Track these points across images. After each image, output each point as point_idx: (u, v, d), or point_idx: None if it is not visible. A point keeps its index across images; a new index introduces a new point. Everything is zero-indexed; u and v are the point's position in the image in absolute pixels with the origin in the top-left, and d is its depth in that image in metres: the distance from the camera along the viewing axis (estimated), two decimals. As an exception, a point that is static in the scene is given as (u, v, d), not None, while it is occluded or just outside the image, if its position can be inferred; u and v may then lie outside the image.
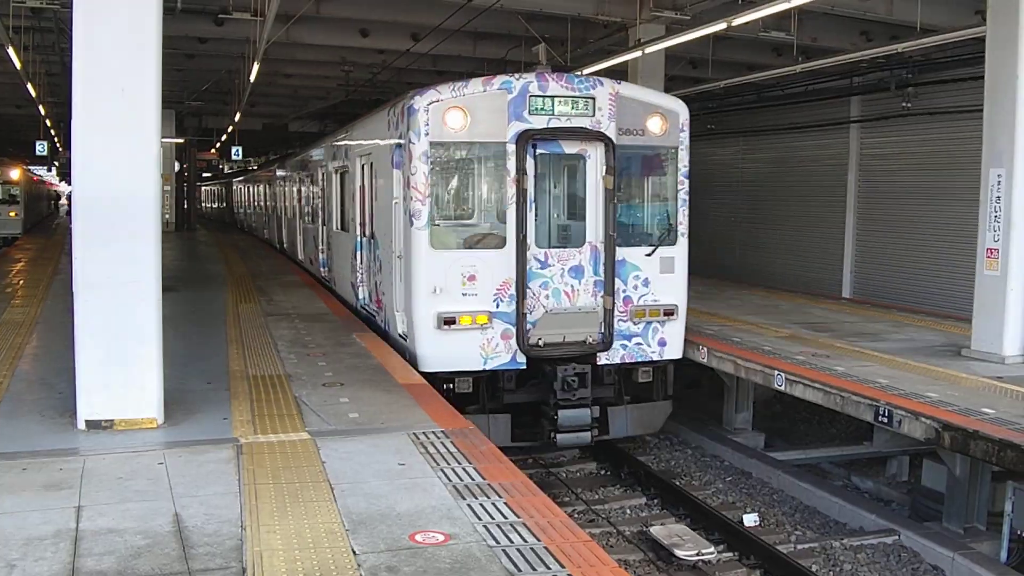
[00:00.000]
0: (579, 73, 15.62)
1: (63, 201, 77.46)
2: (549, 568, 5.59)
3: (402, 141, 12.22)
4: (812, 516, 11.73)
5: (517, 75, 12.21)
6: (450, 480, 7.11)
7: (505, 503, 6.64)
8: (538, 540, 6.00)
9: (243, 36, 19.67)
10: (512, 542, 5.95)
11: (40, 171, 61.25)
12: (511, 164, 11.86)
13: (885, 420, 10.32)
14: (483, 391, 12.12)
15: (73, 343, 8.37)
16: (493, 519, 6.33)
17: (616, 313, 12.37)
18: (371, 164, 14.71)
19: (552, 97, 12.07)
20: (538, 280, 12.11)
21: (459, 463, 7.54)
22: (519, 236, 11.83)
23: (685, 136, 12.75)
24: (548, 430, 12.14)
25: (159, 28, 8.31)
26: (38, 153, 35.49)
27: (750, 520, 11.24)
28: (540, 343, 12.10)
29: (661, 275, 12.63)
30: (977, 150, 13.09)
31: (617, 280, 12.34)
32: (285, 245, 29.30)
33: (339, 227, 18.47)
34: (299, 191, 25.34)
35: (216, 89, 30.48)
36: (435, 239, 11.89)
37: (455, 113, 11.77)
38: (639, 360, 12.70)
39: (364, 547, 5.83)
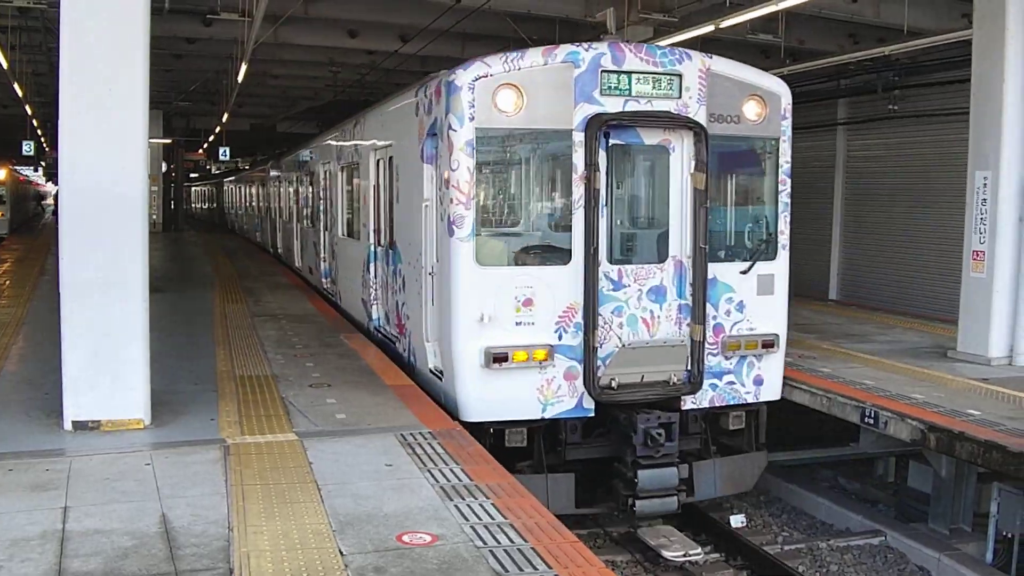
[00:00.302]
0: (660, 44, 12.85)
1: (48, 201, 77.24)
2: (536, 569, 5.60)
3: (438, 129, 9.95)
4: (799, 517, 11.77)
5: (586, 45, 9.88)
6: (437, 481, 7.12)
7: (492, 504, 6.65)
8: (525, 541, 6.01)
9: (231, 37, 19.64)
10: (499, 543, 5.96)
11: (27, 171, 61.15)
12: (578, 157, 9.63)
13: (871, 422, 10.36)
14: (539, 445, 9.86)
15: (60, 343, 8.35)
16: (480, 520, 6.34)
17: (705, 345, 10.14)
18: (390, 159, 12.41)
19: (629, 73, 9.77)
20: (610, 304, 9.82)
21: (446, 464, 7.54)
22: (589, 249, 9.56)
23: (787, 125, 10.53)
24: (624, 495, 9.83)
25: (147, 28, 8.30)
26: (24, 153, 35.37)
27: (737, 521, 11.26)
28: (613, 385, 9.80)
29: (758, 297, 10.39)
30: (963, 153, 13.17)
31: (707, 304, 10.10)
32: (280, 250, 27.37)
33: (345, 233, 16.39)
34: (297, 191, 23.41)
35: (204, 89, 30.44)
36: (482, 253, 9.57)
37: (508, 92, 9.46)
38: (731, 403, 10.46)
39: (351, 548, 5.83)
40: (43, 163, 54.79)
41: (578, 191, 9.64)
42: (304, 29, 20.74)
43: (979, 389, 11.15)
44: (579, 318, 9.64)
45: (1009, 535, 9.90)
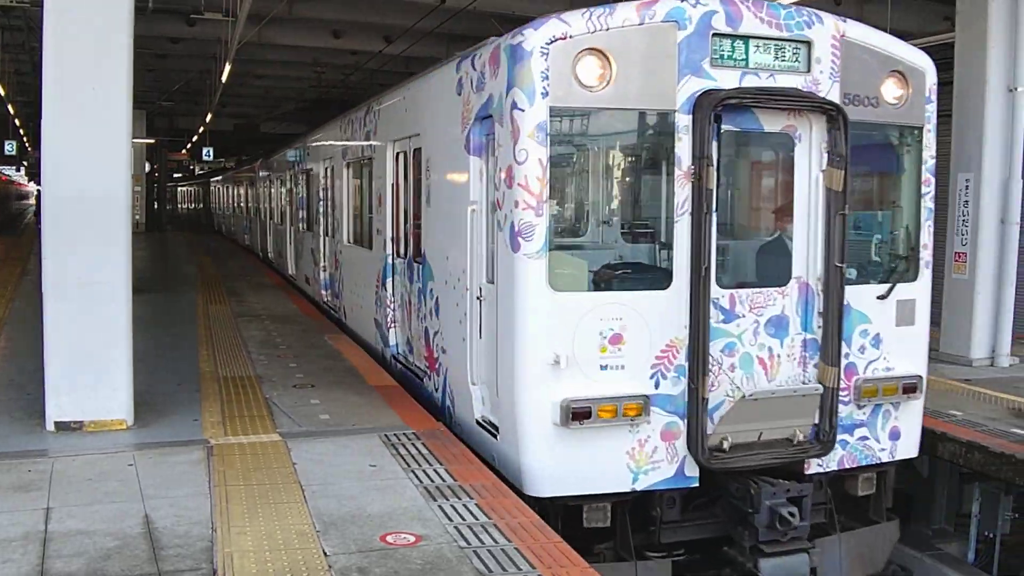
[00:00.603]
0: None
1: (29, 201, 76.95)
2: (520, 569, 5.60)
3: (494, 110, 7.76)
4: (782, 517, 11.77)
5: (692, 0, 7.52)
6: (421, 481, 7.11)
7: (476, 504, 6.65)
8: (509, 541, 6.01)
9: (215, 36, 19.61)
10: (483, 543, 5.96)
11: (9, 171, 60.90)
12: (683, 148, 7.41)
13: (854, 422, 10.38)
14: (623, 522, 7.66)
15: (42, 344, 8.32)
16: (464, 520, 6.34)
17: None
18: (416, 152, 10.23)
19: (746, 39, 7.59)
20: (720, 340, 7.62)
21: (430, 464, 7.54)
22: (699, 268, 7.37)
23: (932, 109, 8.38)
24: None
25: (130, 27, 8.29)
26: (7, 153, 35.18)
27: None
28: (725, 446, 7.58)
29: (897, 329, 8.29)
30: (946, 155, 13.22)
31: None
32: (271, 255, 25.60)
33: (352, 240, 14.42)
34: (291, 191, 21.36)
35: (187, 89, 30.35)
36: (557, 274, 7.33)
37: (592, 60, 7.22)
38: (862, 464, 8.28)
39: (335, 548, 5.82)
40: (25, 163, 54.51)
41: (682, 192, 7.43)
42: (288, 29, 20.71)
43: (961, 390, 11.21)
44: (682, 359, 7.50)
45: (991, 535, 9.95)
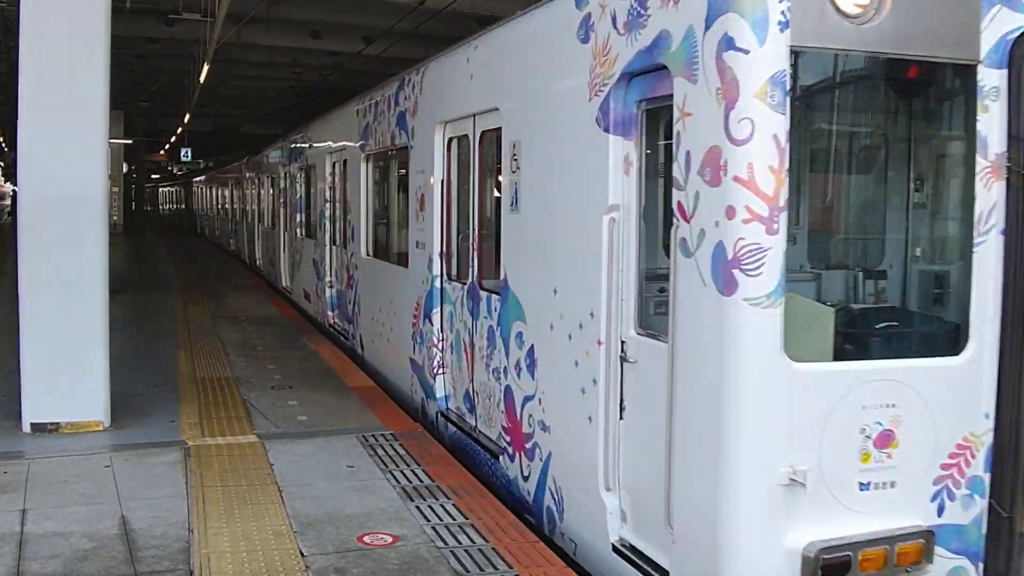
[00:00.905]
0: None
1: (6, 202, 76.54)
2: (497, 569, 5.62)
3: (670, 57, 4.88)
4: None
5: None
6: (399, 482, 7.13)
7: (454, 505, 6.67)
8: (486, 541, 6.03)
9: (193, 37, 19.57)
10: (460, 543, 5.98)
11: (-15, 171, 60.60)
12: (990, 122, 4.77)
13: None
14: None
15: (19, 346, 8.29)
16: (442, 520, 6.36)
17: None
18: (486, 134, 7.79)
19: None
20: None
21: (408, 465, 7.55)
22: (1019, 321, 4.80)
23: None
24: None
25: (108, 27, 8.28)
26: (-17, 153, 35.08)
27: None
28: None
29: None
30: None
31: None
32: (259, 262, 23.59)
33: (372, 252, 11.97)
34: (286, 191, 18.99)
35: (166, 90, 30.26)
36: (797, 335, 4.57)
37: None
38: None
39: (312, 549, 5.83)
40: (2, 163, 54.26)
41: (988, 196, 4.79)
42: (267, 30, 20.69)
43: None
44: (978, 468, 4.87)
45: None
